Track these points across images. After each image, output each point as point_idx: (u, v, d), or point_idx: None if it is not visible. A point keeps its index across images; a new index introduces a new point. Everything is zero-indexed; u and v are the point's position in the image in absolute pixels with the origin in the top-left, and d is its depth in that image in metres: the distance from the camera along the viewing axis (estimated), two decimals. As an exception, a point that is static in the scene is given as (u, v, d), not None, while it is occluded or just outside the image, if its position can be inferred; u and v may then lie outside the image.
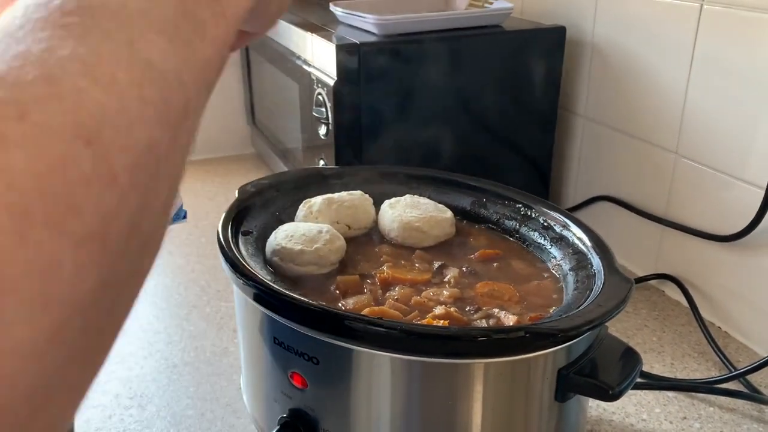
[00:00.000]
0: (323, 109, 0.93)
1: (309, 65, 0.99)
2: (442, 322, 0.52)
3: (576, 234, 0.62)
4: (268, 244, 0.61)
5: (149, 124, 0.20)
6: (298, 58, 1.04)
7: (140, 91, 0.20)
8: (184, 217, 0.55)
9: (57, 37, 0.19)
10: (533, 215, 0.67)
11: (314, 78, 0.96)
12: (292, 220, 0.67)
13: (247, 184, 0.69)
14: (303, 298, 0.50)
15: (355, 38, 0.91)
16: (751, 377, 0.74)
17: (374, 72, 0.90)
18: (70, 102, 0.18)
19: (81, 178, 0.18)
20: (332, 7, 1.04)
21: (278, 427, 0.53)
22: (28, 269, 0.16)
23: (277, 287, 0.51)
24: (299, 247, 0.59)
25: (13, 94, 0.18)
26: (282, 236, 0.60)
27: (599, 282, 0.54)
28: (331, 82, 0.90)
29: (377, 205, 0.69)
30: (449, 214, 0.68)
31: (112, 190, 0.19)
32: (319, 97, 0.94)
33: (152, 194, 0.21)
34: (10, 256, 0.16)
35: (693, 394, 0.73)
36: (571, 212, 0.69)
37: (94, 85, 0.19)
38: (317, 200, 0.67)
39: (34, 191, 0.17)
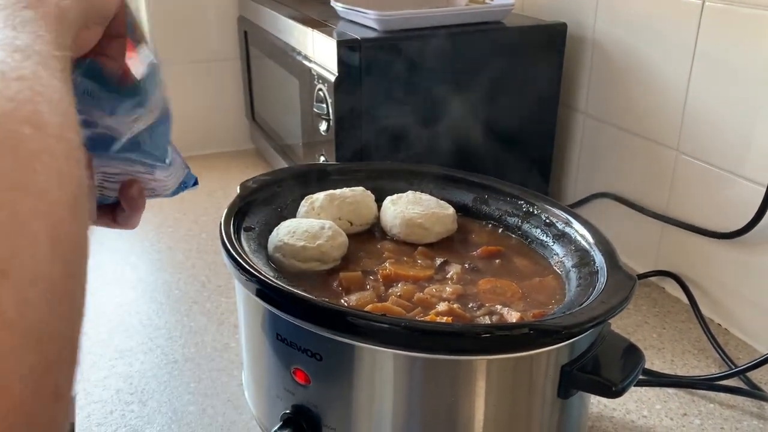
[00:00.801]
0: (324, 105, 0.93)
1: (309, 61, 0.99)
2: (445, 318, 0.52)
3: (578, 231, 0.62)
4: (270, 240, 0.61)
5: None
6: (299, 53, 1.03)
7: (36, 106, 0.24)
8: (195, 183, 0.54)
9: None
10: (535, 212, 0.67)
11: (315, 74, 0.96)
12: (294, 216, 0.67)
13: (248, 180, 0.69)
14: (306, 295, 0.50)
15: (356, 34, 0.91)
16: (751, 374, 0.74)
17: (375, 68, 0.90)
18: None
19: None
20: (333, 3, 1.03)
21: (281, 423, 0.53)
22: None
23: (279, 283, 0.51)
24: (301, 243, 0.59)
25: None
26: (284, 232, 0.60)
27: (602, 279, 0.54)
28: (332, 78, 0.89)
29: (379, 201, 0.69)
30: (451, 210, 0.68)
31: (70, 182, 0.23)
32: (320, 92, 0.94)
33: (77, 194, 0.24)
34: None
35: (693, 390, 0.73)
36: (571, 209, 0.69)
37: None
38: (319, 196, 0.67)
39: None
